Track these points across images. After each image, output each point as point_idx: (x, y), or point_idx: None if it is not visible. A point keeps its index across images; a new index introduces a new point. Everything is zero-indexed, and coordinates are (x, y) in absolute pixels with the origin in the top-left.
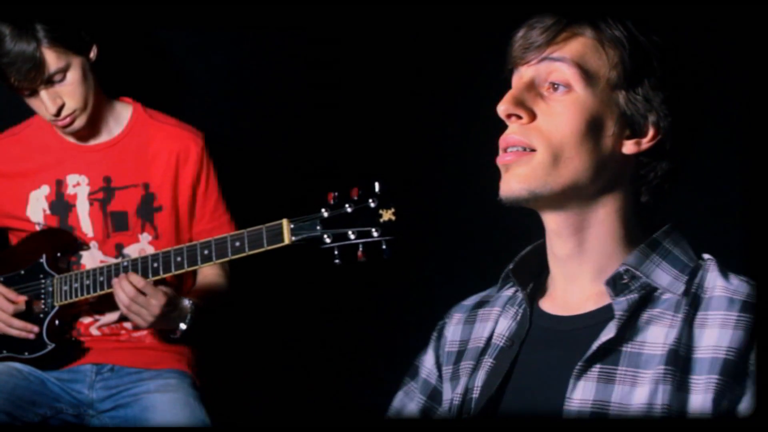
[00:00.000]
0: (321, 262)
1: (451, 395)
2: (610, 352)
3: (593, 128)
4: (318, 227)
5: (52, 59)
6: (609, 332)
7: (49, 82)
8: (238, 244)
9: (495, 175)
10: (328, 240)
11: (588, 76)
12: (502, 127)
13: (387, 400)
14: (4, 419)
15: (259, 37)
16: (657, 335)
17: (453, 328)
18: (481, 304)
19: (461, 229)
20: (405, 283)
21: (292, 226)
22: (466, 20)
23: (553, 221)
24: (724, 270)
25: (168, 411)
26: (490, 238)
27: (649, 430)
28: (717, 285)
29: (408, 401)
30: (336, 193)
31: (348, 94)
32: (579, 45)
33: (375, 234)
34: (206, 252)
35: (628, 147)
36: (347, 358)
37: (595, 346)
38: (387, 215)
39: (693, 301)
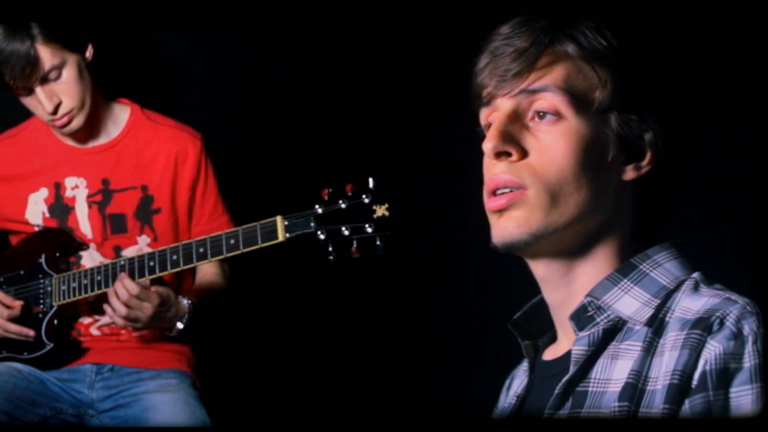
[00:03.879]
0: (317, 258)
1: None
2: (576, 395)
3: (591, 158)
4: (312, 224)
5: (46, 56)
6: (569, 374)
7: (45, 80)
8: (233, 241)
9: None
10: (321, 236)
11: (578, 100)
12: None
13: (386, 399)
14: (4, 419)
15: (255, 37)
16: (621, 371)
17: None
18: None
19: (455, 224)
20: (400, 279)
21: (286, 222)
22: (461, 16)
23: (543, 268)
24: (700, 285)
25: (168, 411)
26: (485, 233)
27: (650, 430)
28: (679, 306)
29: None
30: (330, 190)
31: (342, 91)
32: (562, 68)
33: (368, 230)
34: (201, 250)
35: (628, 173)
36: (346, 356)
37: (557, 390)
38: (381, 211)
39: (657, 329)
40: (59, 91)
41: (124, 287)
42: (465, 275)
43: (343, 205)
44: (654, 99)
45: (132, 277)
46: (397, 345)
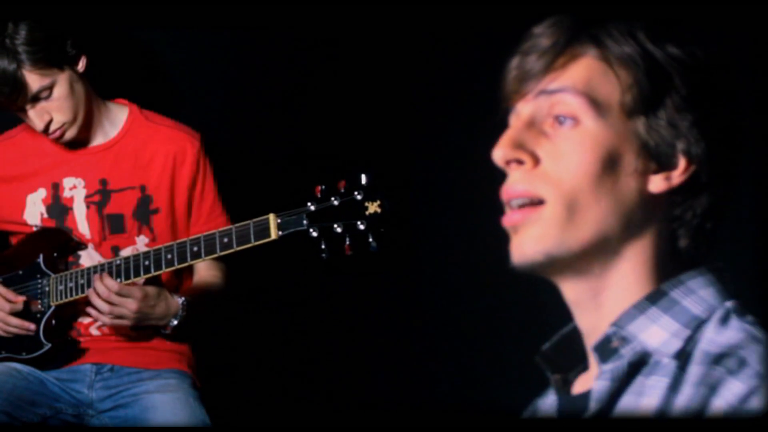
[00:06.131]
0: (310, 256)
1: None
2: None
3: (609, 166)
4: (304, 221)
5: (34, 81)
6: (589, 412)
7: (36, 99)
8: (226, 240)
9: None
10: (314, 234)
11: (597, 104)
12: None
13: (386, 397)
14: (4, 419)
15: (250, 37)
16: (647, 410)
17: None
18: None
19: (448, 221)
20: (393, 276)
21: (279, 220)
22: (455, 14)
23: (572, 290)
24: (730, 316)
25: (168, 411)
26: (479, 229)
27: (651, 429)
28: (704, 337)
29: None
30: (323, 186)
31: (334, 88)
32: (582, 69)
33: (360, 226)
34: (195, 249)
35: (656, 184)
36: (340, 354)
37: None
38: (373, 208)
39: (684, 363)
40: (50, 108)
41: (105, 285)
42: (459, 272)
43: (335, 202)
44: (687, 103)
45: (127, 276)
46: (391, 343)
